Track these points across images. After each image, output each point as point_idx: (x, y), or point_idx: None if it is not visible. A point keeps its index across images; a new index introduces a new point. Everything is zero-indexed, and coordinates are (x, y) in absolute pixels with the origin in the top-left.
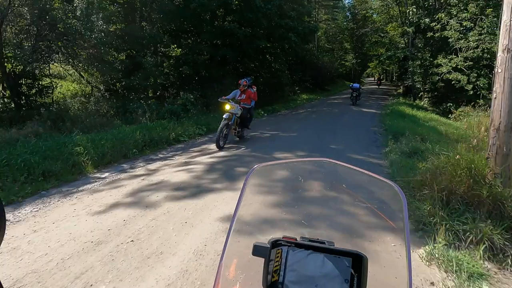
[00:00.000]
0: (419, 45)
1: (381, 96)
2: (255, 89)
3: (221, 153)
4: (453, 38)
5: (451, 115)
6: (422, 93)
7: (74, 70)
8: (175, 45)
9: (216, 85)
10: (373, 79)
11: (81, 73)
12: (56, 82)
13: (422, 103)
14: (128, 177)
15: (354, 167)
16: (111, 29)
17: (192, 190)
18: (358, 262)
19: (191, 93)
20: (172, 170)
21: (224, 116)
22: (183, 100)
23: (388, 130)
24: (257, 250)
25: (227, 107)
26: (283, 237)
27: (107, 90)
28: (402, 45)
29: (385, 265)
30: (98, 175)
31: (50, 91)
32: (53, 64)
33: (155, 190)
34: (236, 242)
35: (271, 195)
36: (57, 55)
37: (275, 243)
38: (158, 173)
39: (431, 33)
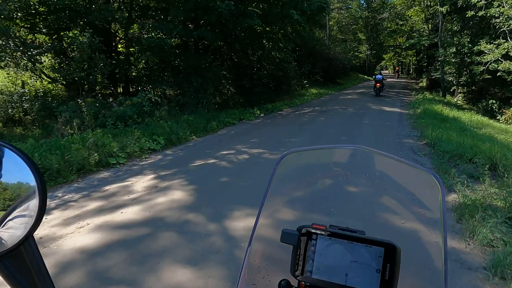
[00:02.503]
0: (455, 28)
1: (402, 91)
2: None
3: None
4: (501, 18)
5: (500, 116)
6: (455, 87)
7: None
8: (136, 24)
9: (195, 79)
10: (387, 71)
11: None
12: None
13: (455, 99)
14: None
15: (388, 155)
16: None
17: None
18: (390, 253)
19: (160, 88)
20: None
21: None
22: (138, 99)
23: (437, 148)
24: (286, 237)
25: None
26: (312, 225)
27: (59, 85)
28: (426, 32)
29: (419, 257)
30: None
31: None
32: None
33: None
34: (264, 228)
35: (300, 181)
36: None
37: (304, 230)
38: None
39: (472, 12)
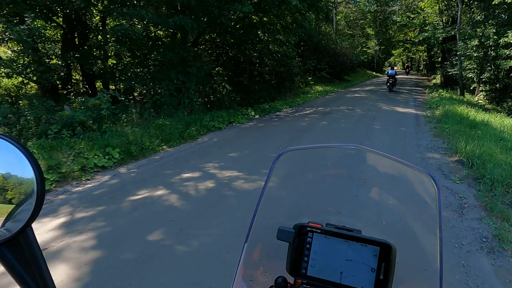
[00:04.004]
0: (478, 17)
1: (414, 88)
2: None
3: None
4: None
5: None
6: (476, 85)
7: None
8: (102, 9)
9: (176, 76)
10: (396, 68)
11: None
12: None
13: (476, 98)
14: None
15: (385, 154)
16: None
17: None
18: (386, 252)
19: (135, 86)
20: None
21: None
22: (96, 100)
23: (476, 170)
24: (282, 234)
25: None
26: (308, 223)
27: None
28: (440, 25)
29: (414, 256)
30: None
31: None
32: None
33: None
34: (261, 226)
35: (297, 180)
36: None
37: (300, 228)
38: None
39: None
